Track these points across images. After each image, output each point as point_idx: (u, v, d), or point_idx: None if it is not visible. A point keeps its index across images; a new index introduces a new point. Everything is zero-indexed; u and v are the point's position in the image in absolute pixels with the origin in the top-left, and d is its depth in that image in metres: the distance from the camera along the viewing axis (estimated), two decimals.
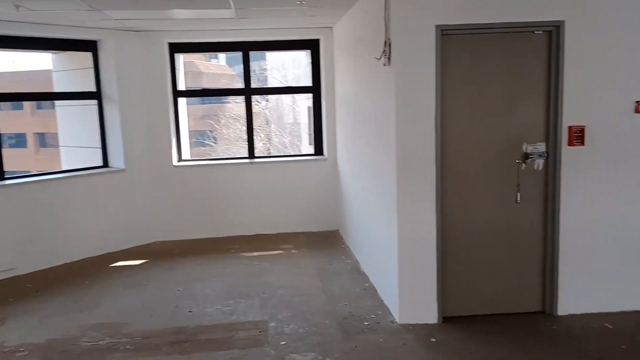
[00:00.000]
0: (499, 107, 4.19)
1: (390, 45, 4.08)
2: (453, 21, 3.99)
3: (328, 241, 6.80)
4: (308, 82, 7.38)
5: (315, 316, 4.50)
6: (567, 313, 4.31)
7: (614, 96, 4.17)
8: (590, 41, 4.10)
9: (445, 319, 4.29)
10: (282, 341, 4.07)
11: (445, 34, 4.02)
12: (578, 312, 4.31)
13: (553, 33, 4.11)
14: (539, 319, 4.29)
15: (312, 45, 7.19)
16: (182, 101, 7.25)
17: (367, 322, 4.35)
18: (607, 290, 4.33)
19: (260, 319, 4.51)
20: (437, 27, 3.98)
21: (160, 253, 6.55)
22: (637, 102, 4.18)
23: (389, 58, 4.11)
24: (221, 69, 28.47)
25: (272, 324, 4.38)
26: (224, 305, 4.82)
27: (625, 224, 4.29)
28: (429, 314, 4.25)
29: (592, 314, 4.30)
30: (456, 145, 4.19)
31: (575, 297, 4.31)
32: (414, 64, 4.02)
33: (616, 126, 4.20)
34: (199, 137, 21.96)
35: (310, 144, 7.89)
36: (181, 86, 7.25)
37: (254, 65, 7.15)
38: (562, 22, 4.06)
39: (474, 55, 4.12)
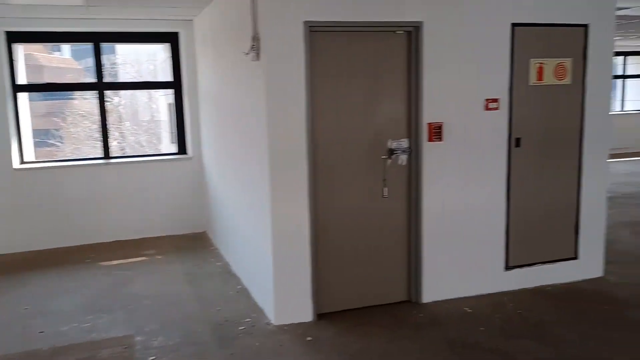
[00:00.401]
0: (366, 104, 4.28)
1: (258, 40, 3.97)
2: (320, 18, 3.99)
3: (195, 244, 6.52)
4: (168, 78, 7.01)
5: (186, 325, 4.26)
6: (431, 300, 4.54)
7: (467, 94, 4.46)
8: (445, 42, 4.34)
9: (320, 316, 4.29)
10: (151, 356, 3.78)
11: (313, 30, 4.00)
12: (441, 298, 4.56)
13: (412, 33, 4.29)
14: (406, 308, 4.47)
15: (171, 39, 6.83)
16: (22, 96, 6.49)
17: (242, 326, 4.21)
18: (465, 275, 4.64)
19: (125, 333, 4.16)
20: (305, 23, 3.95)
21: (1, 268, 5.81)
22: (486, 100, 4.51)
23: (257, 53, 4.00)
24: (66, 63, 26.20)
25: (138, 338, 4.06)
26: (82, 322, 4.38)
27: (478, 212, 4.63)
28: (304, 313, 4.23)
29: (453, 300, 4.57)
30: (327, 140, 4.20)
31: (437, 285, 4.56)
32: (283, 60, 3.96)
33: (469, 122, 4.50)
34: (43, 137, 20.02)
35: (172, 143, 7.52)
36: (21, 80, 6.48)
37: (103, 59, 6.60)
38: (421, 23, 4.24)
39: (342, 52, 4.16)
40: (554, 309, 4.39)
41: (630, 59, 13.00)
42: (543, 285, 4.81)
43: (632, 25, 8.87)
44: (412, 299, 4.57)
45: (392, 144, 4.36)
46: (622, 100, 13.10)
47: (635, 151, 12.44)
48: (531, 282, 4.80)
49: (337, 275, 4.36)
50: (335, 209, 4.29)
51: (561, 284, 4.85)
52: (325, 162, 4.22)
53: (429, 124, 4.37)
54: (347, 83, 4.21)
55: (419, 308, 4.45)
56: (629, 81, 13.23)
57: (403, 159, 4.40)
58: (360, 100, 4.26)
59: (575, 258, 4.93)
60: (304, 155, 4.08)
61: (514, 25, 4.48)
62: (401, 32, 4.28)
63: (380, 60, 4.26)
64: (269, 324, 4.23)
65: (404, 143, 4.39)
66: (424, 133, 4.38)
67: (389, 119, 4.36)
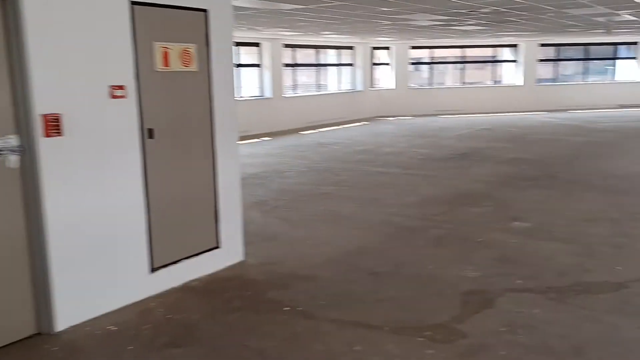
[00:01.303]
0: None
1: None
2: None
3: None
4: None
5: None
6: (68, 326, 3.80)
7: (89, 80, 3.84)
8: (54, 19, 3.60)
9: None
10: None
11: None
12: (80, 321, 3.87)
13: (8, 3, 3.41)
14: (36, 343, 3.64)
15: None
16: None
17: None
18: (107, 288, 4.06)
19: None
20: None
21: None
22: (112, 86, 3.98)
23: None
24: None
25: None
26: None
27: (115, 214, 4.08)
28: None
29: (95, 319, 3.93)
30: None
31: (75, 306, 3.85)
32: None
33: (94, 113, 3.90)
34: None
35: None
36: None
37: None
38: None
39: None
40: (201, 305, 4.23)
41: (242, 49, 14.16)
42: (190, 281, 4.61)
43: (241, 16, 9.53)
44: (42, 331, 3.74)
45: None
46: (239, 87, 14.21)
47: (251, 134, 13.71)
48: (178, 280, 4.55)
49: None
50: None
51: (206, 275, 4.74)
52: None
53: (44, 115, 3.59)
54: None
55: (52, 340, 3.67)
56: (242, 69, 14.45)
57: (13, 160, 3.52)
58: None
59: (217, 247, 4.90)
60: None
61: (132, 3, 4.04)
62: None
63: None
64: None
65: (12, 140, 3.52)
66: (39, 127, 3.57)
67: None
